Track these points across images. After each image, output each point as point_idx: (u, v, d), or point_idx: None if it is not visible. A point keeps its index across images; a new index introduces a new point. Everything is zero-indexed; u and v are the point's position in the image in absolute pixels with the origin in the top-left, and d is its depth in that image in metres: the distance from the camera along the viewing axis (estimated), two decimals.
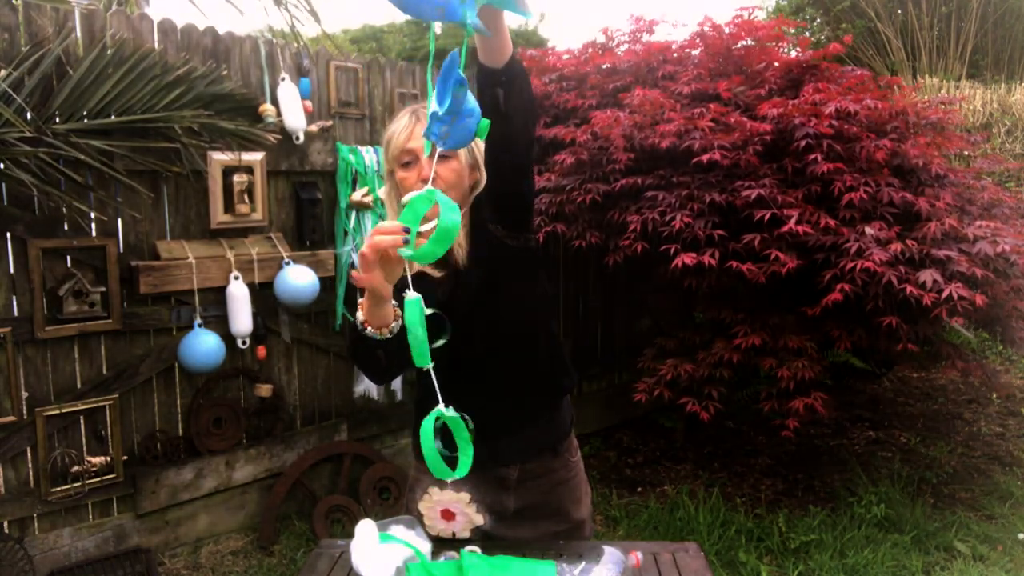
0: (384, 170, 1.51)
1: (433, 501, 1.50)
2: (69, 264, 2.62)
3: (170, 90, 2.64)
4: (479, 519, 1.50)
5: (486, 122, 1.05)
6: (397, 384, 3.57)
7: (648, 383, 3.16)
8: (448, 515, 1.50)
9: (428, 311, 1.08)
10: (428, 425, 1.08)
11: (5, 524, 2.55)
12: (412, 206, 1.06)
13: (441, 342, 1.23)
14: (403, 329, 1.15)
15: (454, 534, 1.51)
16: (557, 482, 1.54)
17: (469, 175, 1.43)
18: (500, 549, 1.43)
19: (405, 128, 1.40)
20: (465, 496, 1.49)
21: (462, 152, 1.41)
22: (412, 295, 1.06)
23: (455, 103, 1.00)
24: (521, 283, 1.46)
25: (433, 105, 1.02)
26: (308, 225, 3.17)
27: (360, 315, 1.23)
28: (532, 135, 1.35)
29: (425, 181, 1.34)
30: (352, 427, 3.42)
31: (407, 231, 1.05)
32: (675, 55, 3.67)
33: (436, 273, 1.42)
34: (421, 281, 1.42)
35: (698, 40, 3.64)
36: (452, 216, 1.00)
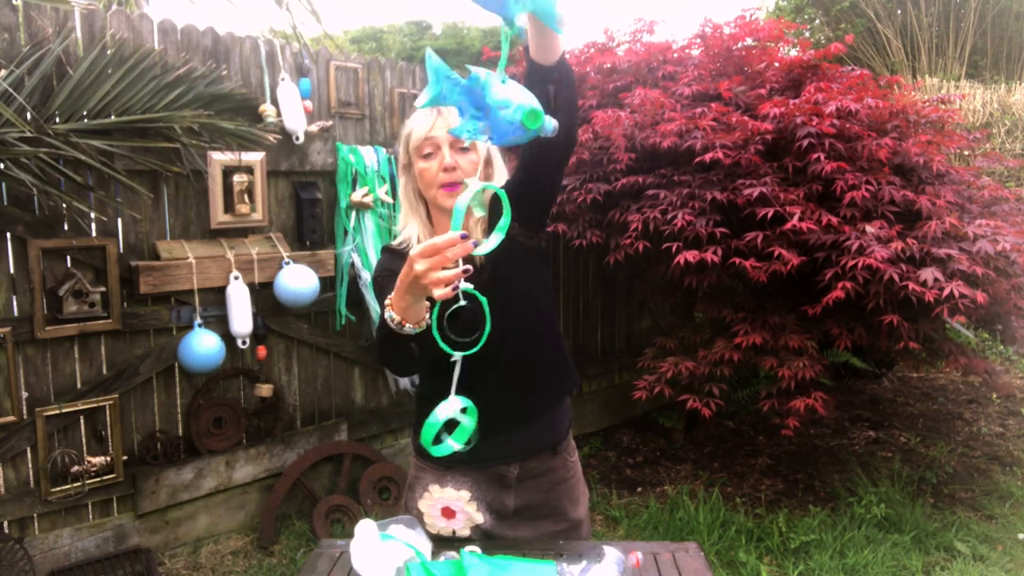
0: (399, 163, 1.51)
1: (433, 499, 1.50)
2: (69, 264, 2.62)
3: (170, 90, 2.64)
4: (479, 517, 1.49)
5: (531, 111, 0.97)
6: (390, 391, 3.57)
7: (648, 380, 3.15)
8: (448, 513, 1.50)
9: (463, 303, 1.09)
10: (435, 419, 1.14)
11: (5, 524, 2.55)
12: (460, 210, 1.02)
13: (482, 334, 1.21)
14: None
15: (454, 532, 1.51)
16: (556, 481, 1.54)
17: (483, 171, 1.43)
18: (500, 549, 1.43)
19: (426, 119, 1.40)
20: (465, 494, 1.49)
21: (480, 146, 1.41)
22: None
23: (466, 96, 0.99)
24: (529, 281, 1.47)
25: (456, 116, 1.02)
26: (308, 225, 3.17)
27: (392, 314, 1.20)
28: (575, 136, 1.34)
29: (447, 171, 1.38)
30: (352, 427, 3.42)
31: (466, 238, 1.03)
32: (675, 55, 3.67)
33: None
34: None
35: (698, 41, 3.64)
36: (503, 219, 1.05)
